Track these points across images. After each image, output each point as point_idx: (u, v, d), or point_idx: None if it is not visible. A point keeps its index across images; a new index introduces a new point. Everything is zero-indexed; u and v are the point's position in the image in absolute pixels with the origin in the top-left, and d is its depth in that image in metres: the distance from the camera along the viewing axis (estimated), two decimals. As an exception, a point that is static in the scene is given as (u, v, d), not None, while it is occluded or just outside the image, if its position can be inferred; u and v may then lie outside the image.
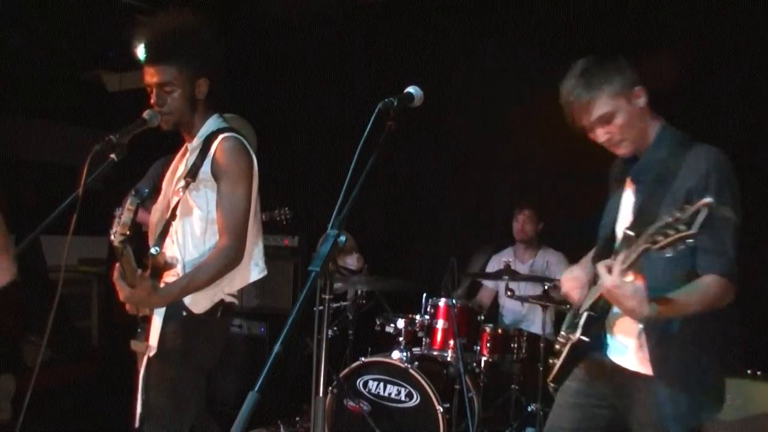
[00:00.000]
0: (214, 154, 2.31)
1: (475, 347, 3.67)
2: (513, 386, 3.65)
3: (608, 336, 2.02)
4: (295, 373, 3.48)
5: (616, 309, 1.92)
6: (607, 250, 2.01)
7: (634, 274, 1.75)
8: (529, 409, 3.63)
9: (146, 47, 2.35)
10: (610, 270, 1.73)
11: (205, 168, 2.32)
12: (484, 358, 3.64)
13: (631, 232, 1.83)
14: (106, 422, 3.81)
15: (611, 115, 1.92)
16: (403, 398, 3.40)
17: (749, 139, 3.56)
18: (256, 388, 1.24)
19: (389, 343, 3.69)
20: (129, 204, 2.10)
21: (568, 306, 2.50)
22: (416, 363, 3.44)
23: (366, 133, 1.68)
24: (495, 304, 4.36)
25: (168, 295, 2.25)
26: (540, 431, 3.45)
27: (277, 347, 1.30)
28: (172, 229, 2.35)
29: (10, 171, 5.42)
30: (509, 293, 3.77)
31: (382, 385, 3.47)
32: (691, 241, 1.53)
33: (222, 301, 2.38)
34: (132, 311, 2.41)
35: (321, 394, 1.52)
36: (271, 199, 3.48)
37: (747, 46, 3.69)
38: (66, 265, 3.00)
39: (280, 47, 5.44)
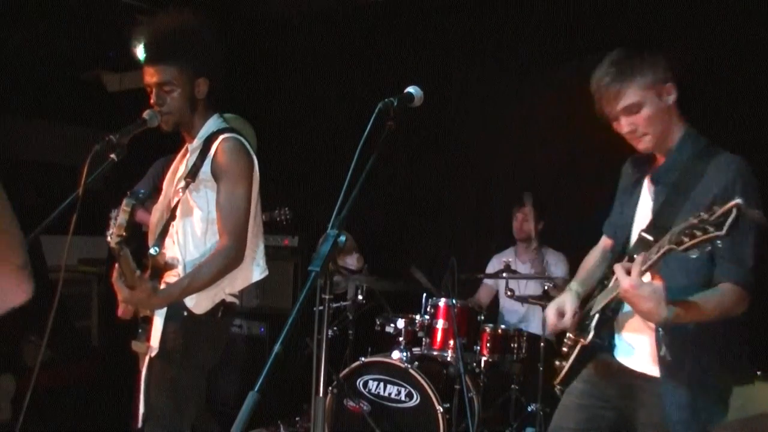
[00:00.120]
0: (215, 154, 2.32)
1: (475, 347, 3.67)
2: (513, 386, 3.64)
3: (616, 336, 2.01)
4: (295, 373, 3.47)
5: (625, 309, 1.91)
6: (622, 252, 2.00)
7: (652, 275, 1.74)
8: (529, 409, 3.62)
9: (146, 47, 2.36)
10: (628, 272, 1.71)
11: (206, 168, 2.32)
12: (484, 358, 3.63)
13: (647, 236, 1.82)
14: (106, 422, 3.81)
15: (639, 105, 1.89)
16: (403, 398, 3.40)
17: (749, 139, 3.56)
18: (256, 388, 1.24)
19: (389, 343, 3.69)
20: (125, 205, 2.10)
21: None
22: (416, 363, 3.44)
23: (366, 133, 1.68)
24: (495, 303, 4.36)
25: (168, 296, 2.25)
26: (540, 431, 3.45)
27: (277, 347, 1.30)
28: (172, 230, 2.35)
29: (10, 171, 5.41)
30: (509, 293, 3.77)
31: (382, 385, 3.47)
32: (719, 242, 1.50)
33: (223, 302, 2.38)
34: (125, 315, 2.39)
35: (321, 394, 1.51)
36: (271, 199, 3.48)
37: (747, 46, 3.69)
38: (66, 265, 3.00)
39: (280, 47, 5.44)
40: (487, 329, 3.67)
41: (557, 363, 2.17)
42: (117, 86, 5.77)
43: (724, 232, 1.47)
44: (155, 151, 3.45)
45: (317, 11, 5.27)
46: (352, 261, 4.42)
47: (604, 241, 2.33)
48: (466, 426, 3.34)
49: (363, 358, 3.58)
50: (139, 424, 2.33)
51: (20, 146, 5.56)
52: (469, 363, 3.61)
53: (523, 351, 3.67)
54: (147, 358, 2.33)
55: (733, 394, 1.93)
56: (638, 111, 1.90)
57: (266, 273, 2.51)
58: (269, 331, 4.42)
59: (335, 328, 3.99)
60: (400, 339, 3.62)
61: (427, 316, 3.68)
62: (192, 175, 2.31)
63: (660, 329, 1.86)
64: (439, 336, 3.65)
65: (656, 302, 1.67)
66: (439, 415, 3.24)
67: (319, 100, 5.30)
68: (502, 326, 3.77)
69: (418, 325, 3.67)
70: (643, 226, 1.95)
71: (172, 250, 2.35)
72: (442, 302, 3.66)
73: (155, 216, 2.45)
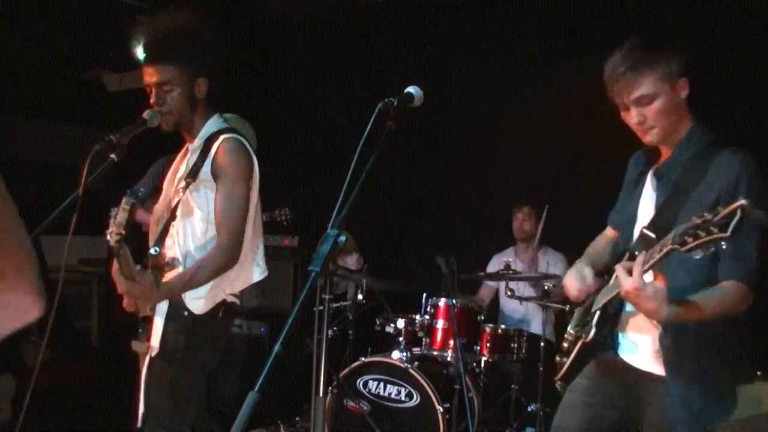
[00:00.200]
0: (215, 154, 2.32)
1: (475, 347, 3.67)
2: (513, 386, 3.64)
3: (620, 334, 2.00)
4: (295, 373, 3.47)
5: (628, 307, 1.91)
6: (624, 248, 1.99)
7: (654, 275, 1.73)
8: (529, 409, 3.62)
9: (146, 47, 2.36)
10: (630, 272, 1.70)
11: (206, 168, 2.32)
12: (484, 358, 3.63)
13: (649, 233, 1.81)
14: (106, 422, 3.81)
15: (652, 97, 1.87)
16: (403, 398, 3.40)
17: (749, 139, 3.55)
18: (256, 388, 1.24)
19: (389, 343, 3.69)
20: (124, 203, 2.11)
21: (568, 306, 2.49)
22: (416, 363, 3.44)
23: (366, 133, 1.68)
24: (495, 303, 4.36)
25: (169, 291, 2.25)
26: (540, 431, 3.45)
27: (277, 347, 1.30)
28: (172, 230, 2.35)
29: (10, 171, 5.40)
30: (509, 293, 3.77)
31: (382, 385, 3.47)
32: (723, 243, 1.48)
33: (223, 302, 2.38)
34: (130, 308, 2.40)
35: (321, 394, 1.51)
36: (271, 199, 3.48)
37: (747, 46, 3.69)
38: (66, 265, 3.00)
39: (280, 47, 5.44)
40: (487, 329, 3.67)
41: (558, 359, 2.17)
42: (117, 86, 5.77)
43: (728, 233, 1.44)
44: (155, 151, 3.44)
45: (317, 11, 5.26)
46: (352, 261, 4.42)
47: (609, 231, 2.32)
48: (466, 426, 3.34)
49: (363, 358, 3.58)
50: (139, 424, 2.33)
51: (20, 146, 5.56)
52: (469, 363, 3.60)
53: (523, 351, 3.68)
54: (147, 358, 2.33)
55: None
56: (650, 103, 1.88)
57: (266, 273, 2.51)
58: (269, 331, 4.42)
59: (335, 328, 3.98)
60: (400, 339, 3.62)
61: (427, 316, 3.68)
62: (192, 175, 2.31)
63: (660, 329, 1.86)
64: (439, 336, 3.65)
65: (658, 302, 1.67)
66: (439, 415, 3.23)
67: (319, 100, 5.30)
68: (502, 326, 3.77)
69: (418, 325, 3.67)
70: (646, 222, 1.94)
71: (172, 250, 2.35)
72: (442, 302, 3.66)
73: (155, 216, 2.45)
